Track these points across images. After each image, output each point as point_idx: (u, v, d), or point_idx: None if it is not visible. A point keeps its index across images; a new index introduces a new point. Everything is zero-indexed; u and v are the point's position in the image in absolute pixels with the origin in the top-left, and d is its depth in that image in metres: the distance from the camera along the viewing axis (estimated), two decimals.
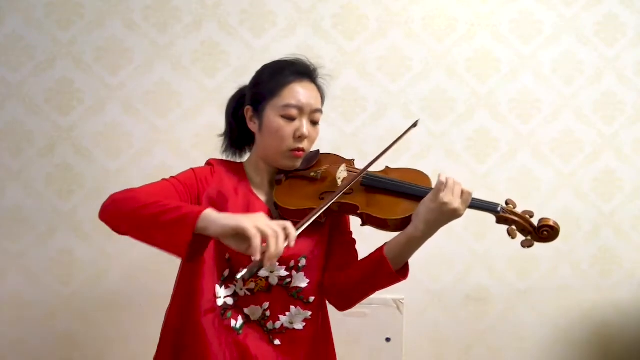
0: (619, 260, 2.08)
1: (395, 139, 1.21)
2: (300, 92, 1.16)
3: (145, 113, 1.97)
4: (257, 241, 0.85)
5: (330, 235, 1.24)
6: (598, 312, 2.07)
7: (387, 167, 1.25)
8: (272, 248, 0.86)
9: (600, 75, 2.08)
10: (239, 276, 0.87)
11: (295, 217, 1.13)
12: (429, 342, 2.03)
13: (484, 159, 2.05)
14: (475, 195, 1.11)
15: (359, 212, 1.12)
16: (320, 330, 1.23)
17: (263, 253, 0.86)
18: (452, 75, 2.05)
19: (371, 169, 1.20)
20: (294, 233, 0.90)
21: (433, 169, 2.01)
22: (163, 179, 1.14)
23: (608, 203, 2.08)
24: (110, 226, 1.01)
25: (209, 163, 1.23)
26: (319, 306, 1.22)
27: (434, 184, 1.09)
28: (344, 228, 1.27)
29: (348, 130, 2.01)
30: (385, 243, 1.13)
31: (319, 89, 1.23)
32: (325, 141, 1.94)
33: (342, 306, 1.22)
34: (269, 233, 0.87)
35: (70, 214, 1.94)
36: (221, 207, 1.13)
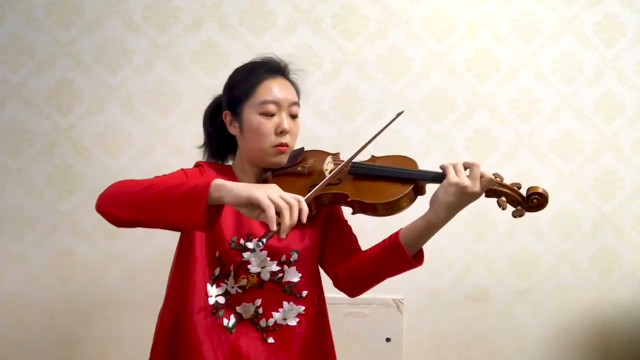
0: (619, 260, 2.08)
1: (380, 129, 1.21)
2: (275, 88, 1.17)
3: (145, 113, 1.97)
4: (271, 212, 0.86)
5: (324, 228, 1.25)
6: (598, 312, 2.07)
7: (372, 156, 1.26)
8: (287, 220, 0.87)
9: (600, 75, 2.08)
10: (254, 242, 0.90)
11: None
12: (429, 342, 2.03)
13: (484, 159, 2.05)
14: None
15: (348, 200, 1.12)
16: (315, 324, 1.22)
17: (278, 224, 0.87)
18: (452, 75, 2.05)
19: (357, 160, 1.20)
20: (306, 208, 0.91)
21: (433, 168, 2.02)
22: (155, 177, 1.14)
23: (608, 203, 2.08)
24: (110, 216, 1.01)
25: (198, 164, 1.24)
26: (312, 300, 1.22)
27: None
28: (336, 216, 1.28)
29: (348, 130, 2.01)
30: (401, 229, 1.13)
31: (293, 84, 1.24)
32: (325, 141, 1.95)
33: (354, 291, 1.21)
34: (282, 205, 0.88)
35: (70, 214, 1.94)
36: None
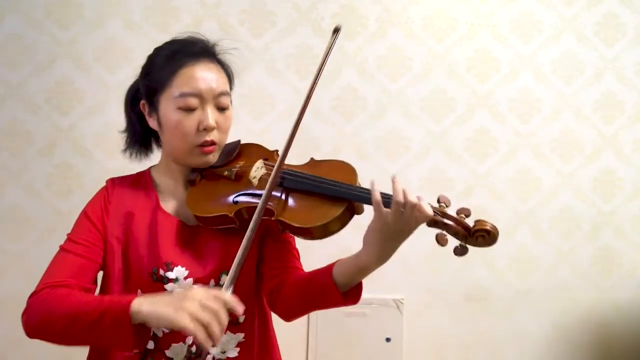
0: (619, 260, 2.08)
1: (322, 58, 1.10)
2: (196, 77, 0.99)
3: None
4: (201, 335, 0.78)
5: (260, 240, 1.08)
6: (598, 312, 2.07)
7: (312, 159, 1.10)
8: (216, 333, 0.79)
9: (600, 75, 2.08)
10: None
11: (210, 224, 1.03)
12: (429, 342, 2.03)
13: (484, 159, 2.05)
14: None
15: (273, 218, 0.97)
16: (259, 350, 1.08)
17: (210, 338, 0.79)
18: (452, 75, 2.05)
19: (294, 162, 1.05)
20: (231, 304, 0.82)
21: (433, 169, 2.02)
22: (67, 252, 1.02)
23: (608, 203, 2.08)
24: (47, 340, 0.96)
25: (104, 186, 1.10)
26: (252, 323, 1.07)
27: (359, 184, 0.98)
28: (274, 229, 1.06)
29: (348, 130, 2.01)
30: (336, 262, 0.97)
31: (224, 67, 1.07)
32: (325, 141, 1.95)
33: (287, 317, 1.06)
34: (206, 320, 0.78)
35: (70, 214, 1.92)
36: (127, 235, 1.02)
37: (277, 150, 1.12)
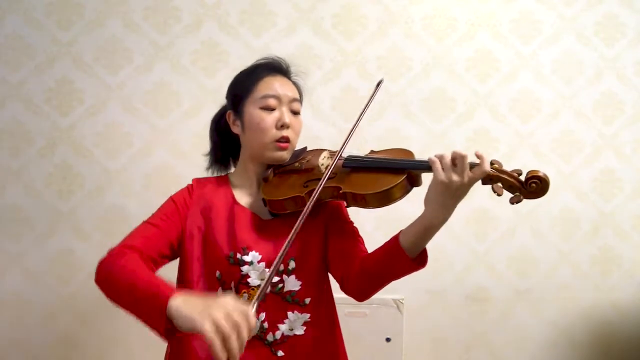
0: (619, 260, 2.08)
1: (364, 106, 1.21)
2: (275, 84, 1.19)
3: (145, 113, 1.97)
4: (217, 346, 0.78)
5: (326, 229, 1.22)
6: (598, 312, 2.07)
7: (371, 151, 1.24)
8: (234, 348, 0.79)
9: (600, 75, 2.08)
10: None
11: (282, 209, 1.15)
12: (429, 342, 2.03)
13: None
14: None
15: (341, 192, 1.11)
16: (322, 330, 1.19)
17: (227, 352, 0.79)
18: (452, 75, 2.05)
19: (355, 154, 1.19)
20: (253, 323, 0.83)
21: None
22: (147, 223, 1.14)
23: (608, 203, 2.08)
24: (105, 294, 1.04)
25: (190, 184, 1.24)
26: (318, 306, 1.19)
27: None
28: (338, 216, 1.24)
29: (348, 130, 2.01)
30: (401, 231, 1.08)
31: (295, 84, 1.25)
32: (325, 141, 1.95)
33: (362, 296, 1.17)
34: (227, 331, 0.79)
35: (70, 214, 1.94)
36: (207, 224, 1.16)
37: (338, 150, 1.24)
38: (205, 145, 1.74)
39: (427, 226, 1.04)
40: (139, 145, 1.96)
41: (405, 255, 1.05)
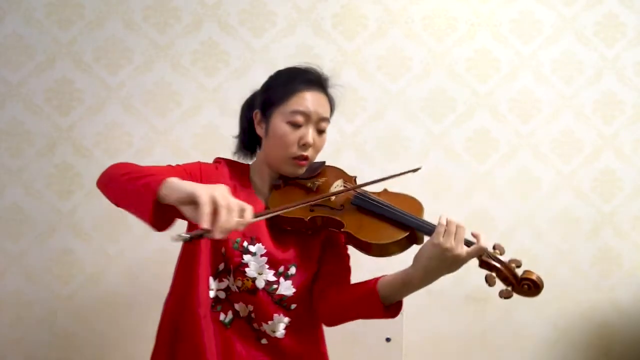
0: (619, 260, 2.08)
1: (395, 174, 1.19)
2: (308, 100, 1.16)
3: (145, 113, 1.97)
4: (206, 209, 0.82)
5: (322, 249, 1.23)
6: (598, 312, 2.07)
7: (385, 190, 1.23)
8: (222, 218, 0.82)
9: (600, 75, 2.08)
10: (178, 235, 0.82)
11: (288, 225, 1.15)
12: (429, 342, 2.03)
13: (484, 159, 2.05)
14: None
15: (342, 230, 1.11)
16: (302, 337, 1.21)
17: (213, 223, 0.82)
18: (452, 75, 2.05)
19: (369, 190, 1.18)
20: (248, 217, 0.87)
21: (433, 169, 2.02)
22: (169, 165, 1.16)
23: (608, 203, 2.08)
24: (104, 194, 1.04)
25: (216, 161, 1.25)
26: (300, 314, 1.20)
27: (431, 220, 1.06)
28: (337, 241, 1.25)
29: (348, 130, 2.01)
30: (382, 276, 1.10)
31: (329, 99, 1.24)
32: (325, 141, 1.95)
33: (328, 322, 1.21)
34: (222, 204, 0.83)
35: (70, 214, 1.94)
36: None
37: (355, 177, 1.26)
38: (205, 145, 1.76)
39: (406, 282, 1.06)
40: (138, 145, 1.96)
41: (379, 302, 1.07)
